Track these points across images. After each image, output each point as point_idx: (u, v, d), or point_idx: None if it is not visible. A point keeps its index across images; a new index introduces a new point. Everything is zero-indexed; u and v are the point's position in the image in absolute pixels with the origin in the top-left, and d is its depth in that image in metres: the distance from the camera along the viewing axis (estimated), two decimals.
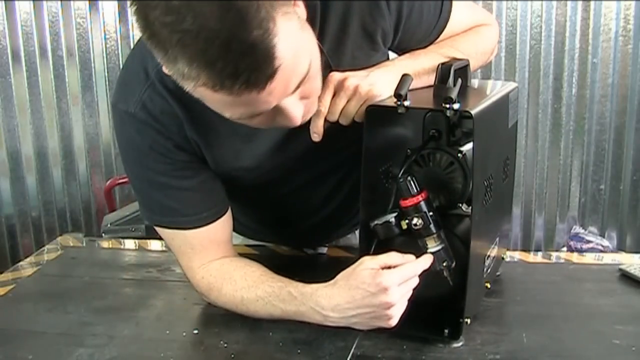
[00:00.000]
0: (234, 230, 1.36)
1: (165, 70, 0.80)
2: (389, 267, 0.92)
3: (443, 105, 0.87)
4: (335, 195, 1.19)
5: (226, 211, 1.09)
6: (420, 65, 1.04)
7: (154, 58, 0.93)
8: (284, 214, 1.24)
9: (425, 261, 0.93)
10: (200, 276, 1.08)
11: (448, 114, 0.88)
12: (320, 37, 0.98)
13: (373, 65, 1.03)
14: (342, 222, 1.27)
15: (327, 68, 0.99)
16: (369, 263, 0.92)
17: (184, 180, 1.03)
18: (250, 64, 0.72)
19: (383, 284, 0.89)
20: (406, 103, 0.90)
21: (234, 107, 0.79)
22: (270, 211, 1.24)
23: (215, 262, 1.08)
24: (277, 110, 0.82)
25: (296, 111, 0.84)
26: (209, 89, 0.75)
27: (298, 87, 0.81)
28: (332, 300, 0.94)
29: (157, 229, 1.08)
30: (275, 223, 1.29)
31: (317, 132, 0.97)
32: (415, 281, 0.93)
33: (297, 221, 1.25)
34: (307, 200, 1.20)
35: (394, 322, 0.92)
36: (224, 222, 1.09)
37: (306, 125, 0.97)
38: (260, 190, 1.15)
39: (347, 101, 0.95)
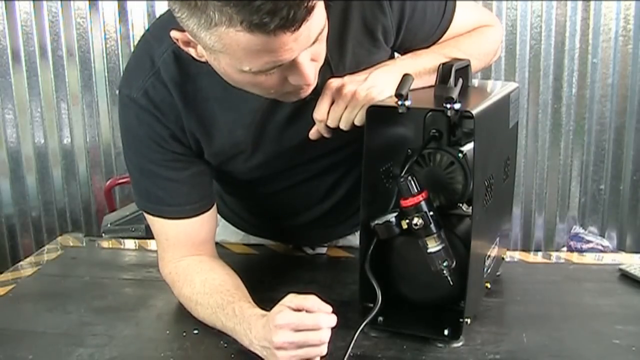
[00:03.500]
0: (235, 226, 1.37)
1: (181, 33, 0.84)
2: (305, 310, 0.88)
3: (444, 105, 0.87)
4: (335, 191, 1.20)
5: (209, 209, 1.10)
6: (421, 65, 1.04)
7: (161, 47, 0.98)
8: (283, 208, 1.25)
9: (330, 318, 0.87)
10: (168, 270, 1.10)
11: (449, 114, 0.88)
12: None
13: (375, 64, 1.03)
14: (340, 220, 1.27)
15: (327, 64, 1.00)
16: (287, 299, 0.90)
17: (173, 172, 1.05)
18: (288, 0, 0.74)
19: (275, 322, 0.87)
20: (407, 103, 0.90)
21: (259, 54, 0.80)
22: (269, 205, 1.25)
23: (185, 260, 1.09)
24: (292, 68, 0.84)
25: (309, 68, 0.86)
26: (243, 30, 0.76)
27: (314, 42, 0.83)
28: (258, 332, 0.91)
29: (143, 213, 1.11)
30: (275, 217, 1.29)
31: (325, 135, 1.00)
32: (313, 339, 0.87)
33: (296, 215, 1.25)
34: (307, 196, 1.20)
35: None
36: (205, 220, 1.10)
37: (308, 118, 0.99)
38: (260, 185, 1.16)
39: (346, 107, 0.97)
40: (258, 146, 1.06)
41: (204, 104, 1.02)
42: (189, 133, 1.03)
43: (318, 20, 0.82)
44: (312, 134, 1.01)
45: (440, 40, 1.12)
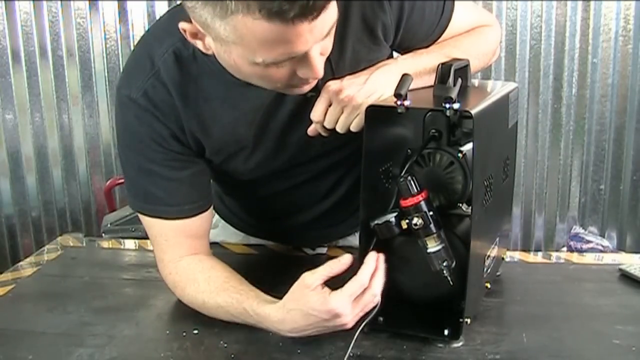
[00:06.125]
0: (235, 227, 1.38)
1: (189, 24, 0.85)
2: (332, 277, 0.91)
3: (443, 105, 0.87)
4: (334, 192, 1.20)
5: (207, 208, 1.11)
6: (422, 65, 1.04)
7: (162, 47, 0.99)
8: (283, 209, 1.25)
9: (369, 266, 0.91)
10: (167, 271, 1.10)
11: (448, 114, 0.88)
12: None
13: (375, 60, 1.04)
14: (340, 220, 1.27)
15: (327, 61, 1.00)
16: (310, 281, 0.91)
17: (173, 171, 1.05)
18: None
19: (335, 311, 0.88)
20: (406, 103, 0.90)
21: (274, 44, 0.80)
22: (269, 205, 1.25)
23: (185, 259, 1.08)
24: (303, 61, 0.85)
25: (319, 62, 0.87)
26: (261, 18, 0.76)
27: (326, 35, 0.84)
28: (286, 325, 0.93)
29: (139, 215, 1.10)
30: (275, 217, 1.29)
31: (323, 134, 1.00)
32: (369, 290, 0.91)
33: (296, 216, 1.26)
34: (307, 196, 1.21)
35: (349, 326, 0.92)
36: (203, 219, 1.10)
37: (309, 117, 0.99)
38: (260, 185, 1.17)
39: (342, 111, 0.97)
40: (259, 144, 1.07)
41: (206, 104, 1.02)
42: (188, 133, 1.03)
43: (332, 13, 0.82)
44: (311, 131, 1.02)
45: (440, 40, 1.12)
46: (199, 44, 0.89)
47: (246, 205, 1.31)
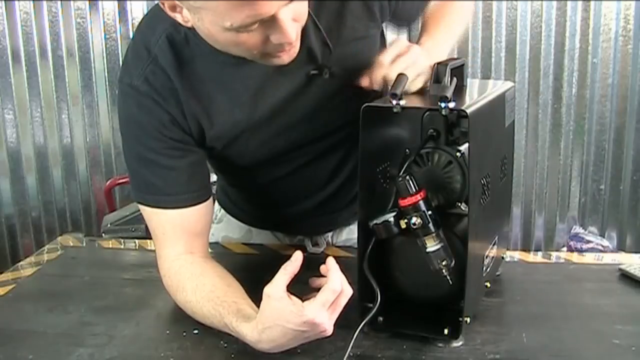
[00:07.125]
0: (238, 219, 1.38)
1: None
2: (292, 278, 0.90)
3: (438, 104, 0.87)
4: (336, 175, 1.21)
5: (206, 199, 1.10)
6: (449, 44, 1.13)
7: (155, 34, 1.01)
8: (286, 196, 1.26)
9: (336, 271, 0.90)
10: (163, 272, 1.10)
11: (443, 113, 0.88)
12: (320, 10, 1.01)
13: (372, 37, 1.08)
14: (342, 204, 1.28)
15: (320, 34, 1.01)
16: (271, 291, 0.89)
17: (172, 160, 1.05)
18: None
19: (313, 321, 0.87)
20: (402, 102, 0.90)
21: (239, 7, 0.81)
22: (272, 193, 1.25)
23: (179, 259, 1.08)
24: (273, 25, 0.85)
25: (290, 26, 0.87)
26: None
27: None
28: (264, 344, 0.92)
29: (140, 207, 1.10)
30: (278, 206, 1.29)
31: (376, 83, 1.01)
32: (343, 295, 0.91)
33: (299, 202, 1.26)
34: (309, 180, 1.21)
35: (329, 333, 0.91)
36: (202, 212, 1.10)
37: (303, 95, 1.01)
38: (264, 171, 1.18)
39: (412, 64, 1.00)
40: (257, 124, 1.07)
41: (202, 85, 1.03)
42: (190, 117, 1.04)
43: None
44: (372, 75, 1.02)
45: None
46: (178, 17, 0.91)
47: (250, 195, 1.32)
